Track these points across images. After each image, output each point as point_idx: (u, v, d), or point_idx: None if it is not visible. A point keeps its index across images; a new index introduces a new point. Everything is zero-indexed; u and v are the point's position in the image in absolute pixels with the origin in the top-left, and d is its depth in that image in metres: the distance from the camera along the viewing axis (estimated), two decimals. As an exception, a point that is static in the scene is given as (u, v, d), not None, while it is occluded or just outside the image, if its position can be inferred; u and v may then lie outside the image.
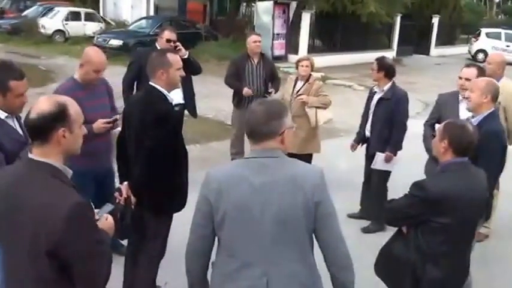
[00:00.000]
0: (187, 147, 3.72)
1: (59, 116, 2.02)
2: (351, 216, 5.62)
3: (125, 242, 4.05)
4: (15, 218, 1.97)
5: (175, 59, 3.52)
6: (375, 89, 5.45)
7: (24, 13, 23.16)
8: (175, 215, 3.69)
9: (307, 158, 6.14)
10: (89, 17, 22.29)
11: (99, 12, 24.20)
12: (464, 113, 4.32)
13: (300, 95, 5.98)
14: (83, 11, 22.40)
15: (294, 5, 19.86)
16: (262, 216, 2.12)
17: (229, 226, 2.17)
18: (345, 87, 15.39)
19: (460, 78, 4.41)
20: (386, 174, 5.38)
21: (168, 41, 5.61)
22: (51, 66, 15.54)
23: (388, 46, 24.00)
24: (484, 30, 27.42)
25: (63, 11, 21.69)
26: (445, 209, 2.74)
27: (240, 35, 20.65)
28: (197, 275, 2.35)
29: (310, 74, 6.08)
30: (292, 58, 16.45)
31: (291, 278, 2.17)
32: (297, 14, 19.77)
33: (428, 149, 4.46)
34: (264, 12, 19.21)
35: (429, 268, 2.83)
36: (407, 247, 2.91)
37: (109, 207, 2.44)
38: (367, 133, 5.50)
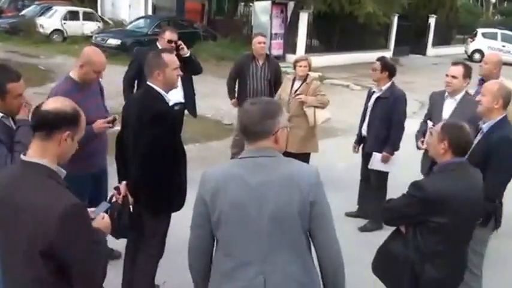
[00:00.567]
0: (186, 146, 3.71)
1: (71, 119, 2.07)
2: (349, 214, 5.67)
3: (118, 245, 4.04)
4: (11, 220, 1.96)
5: (171, 59, 3.50)
6: (374, 88, 5.48)
7: (23, 12, 23.05)
8: (174, 214, 3.70)
9: (305, 157, 6.19)
10: (87, 17, 22.24)
11: (97, 12, 24.15)
12: (447, 110, 4.46)
13: (298, 94, 6.01)
14: (81, 10, 22.34)
15: (291, 5, 19.87)
16: (258, 215, 2.13)
17: (225, 225, 2.18)
18: (343, 87, 15.44)
19: (447, 75, 4.50)
20: (385, 174, 5.41)
21: (170, 41, 5.61)
22: (50, 66, 15.53)
23: (385, 46, 24.06)
24: (480, 31, 27.56)
25: (61, 10, 21.63)
26: (444, 208, 2.75)
27: (238, 34, 20.72)
28: (199, 274, 2.37)
29: (308, 74, 6.11)
30: (290, 58, 16.49)
31: (288, 276, 2.17)
32: (295, 14, 19.80)
33: (418, 146, 4.61)
34: (262, 12, 19.23)
35: (427, 267, 2.85)
36: (406, 246, 2.91)
37: (105, 206, 2.44)
38: (364, 132, 5.54)
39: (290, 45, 19.66)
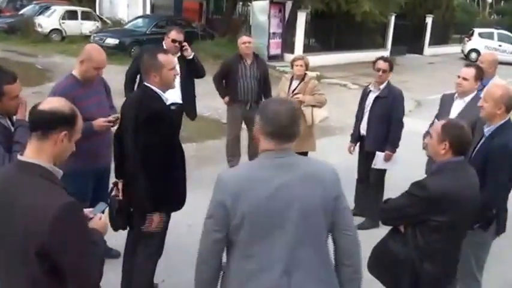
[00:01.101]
0: (183, 145, 3.72)
1: (68, 119, 2.05)
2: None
3: (118, 245, 4.06)
4: (5, 219, 1.95)
5: (166, 60, 3.46)
6: (370, 87, 5.50)
7: (21, 12, 23.06)
8: (172, 213, 3.73)
9: (303, 155, 6.26)
10: (86, 16, 22.23)
11: (95, 11, 24.14)
12: (455, 111, 4.42)
13: (295, 94, 6.03)
14: (79, 9, 22.31)
15: (289, 4, 19.91)
16: (284, 214, 2.14)
17: (248, 228, 2.15)
18: (340, 86, 15.50)
19: (459, 76, 4.45)
20: (384, 172, 5.47)
21: (174, 41, 5.60)
22: (48, 65, 15.56)
23: (382, 45, 24.12)
24: (477, 30, 27.69)
25: (59, 9, 21.62)
26: (446, 207, 2.75)
27: (236, 34, 20.68)
28: (209, 279, 2.34)
29: (305, 73, 6.13)
30: (288, 57, 16.51)
31: (311, 275, 2.20)
32: (293, 14, 19.83)
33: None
34: (260, 11, 19.25)
35: (427, 265, 2.85)
36: (406, 245, 2.91)
37: (102, 206, 2.41)
38: (362, 131, 5.55)
39: (288, 45, 19.69)
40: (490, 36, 27.05)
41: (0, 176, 2.08)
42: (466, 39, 27.63)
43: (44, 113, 2.02)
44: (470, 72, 4.38)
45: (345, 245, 2.29)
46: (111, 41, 17.44)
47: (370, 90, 5.50)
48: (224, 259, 2.34)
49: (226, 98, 6.83)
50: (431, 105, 12.65)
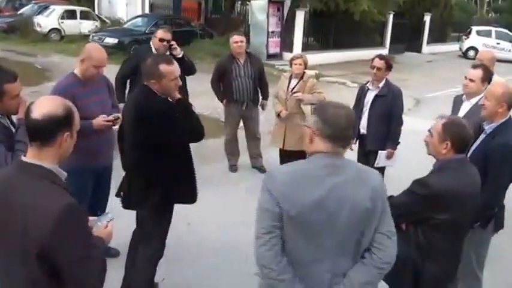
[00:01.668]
0: None
1: (65, 120, 2.00)
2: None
3: (116, 244, 4.05)
4: (5, 219, 1.93)
5: (168, 70, 3.35)
6: (369, 86, 5.51)
7: (20, 11, 23.06)
8: (173, 213, 3.75)
9: (302, 154, 6.26)
10: (85, 16, 22.23)
11: (94, 10, 24.16)
12: (462, 113, 4.37)
13: (295, 92, 6.07)
14: (78, 9, 22.30)
15: (288, 3, 19.94)
16: (336, 215, 2.16)
17: (300, 225, 2.17)
18: (339, 84, 15.52)
19: (466, 78, 4.38)
20: (383, 169, 5.48)
21: (162, 40, 5.62)
22: (47, 65, 15.56)
23: (381, 44, 24.16)
24: (474, 28, 27.74)
25: (58, 9, 21.62)
26: (448, 205, 2.76)
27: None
28: (287, 273, 2.24)
29: (304, 72, 6.16)
30: (287, 56, 16.54)
31: (346, 274, 2.26)
32: (291, 12, 19.86)
33: None
34: (258, 10, 19.27)
35: (428, 264, 2.86)
36: (407, 243, 2.89)
37: (108, 216, 2.38)
38: (362, 130, 5.57)
39: (287, 44, 19.71)
40: (488, 34, 27.10)
41: (0, 176, 2.06)
42: (464, 37, 27.71)
43: (39, 123, 1.95)
44: (477, 73, 4.30)
45: (387, 248, 2.29)
46: (110, 41, 17.42)
47: (369, 89, 5.52)
48: None
49: (225, 102, 6.83)
50: (430, 103, 12.77)
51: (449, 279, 3.08)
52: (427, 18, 27.93)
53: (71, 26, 21.25)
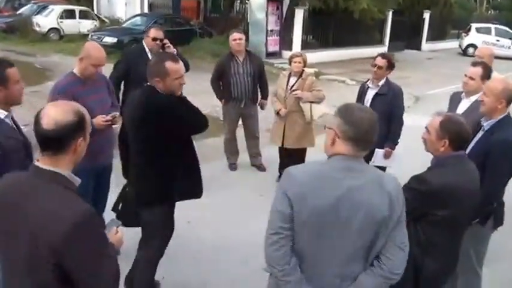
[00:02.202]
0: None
1: (79, 126, 1.94)
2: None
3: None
4: (18, 228, 1.86)
5: (174, 68, 3.32)
6: (369, 84, 5.49)
7: (19, 11, 23.03)
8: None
9: (302, 152, 6.29)
10: (84, 15, 22.21)
11: (93, 10, 24.16)
12: (461, 110, 4.34)
13: (294, 90, 6.07)
14: (77, 8, 22.28)
15: (287, 1, 19.94)
16: (349, 219, 2.13)
17: (310, 227, 2.16)
18: (338, 82, 15.52)
19: (465, 75, 4.37)
20: (383, 169, 5.49)
21: (155, 39, 5.60)
22: (47, 64, 15.55)
23: (380, 42, 24.19)
24: (474, 26, 27.77)
25: (57, 9, 21.58)
26: (446, 201, 2.75)
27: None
28: (294, 274, 2.23)
29: (303, 70, 6.16)
30: (286, 54, 16.52)
31: (355, 279, 2.24)
32: (290, 11, 19.87)
33: None
34: (257, 9, 19.26)
35: (428, 260, 2.86)
36: (408, 239, 2.91)
37: (116, 222, 2.36)
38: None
39: (286, 42, 19.72)
40: (487, 31, 27.14)
41: (14, 183, 1.99)
42: (464, 34, 27.74)
43: (51, 133, 1.88)
44: (477, 71, 4.29)
45: (398, 259, 2.25)
46: (109, 40, 17.41)
47: (369, 87, 5.49)
48: None
49: (224, 101, 6.82)
50: (430, 100, 12.76)
51: (448, 275, 3.07)
52: (427, 15, 27.94)
53: (70, 26, 21.24)
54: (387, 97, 5.31)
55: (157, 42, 5.61)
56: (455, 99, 4.62)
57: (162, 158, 3.39)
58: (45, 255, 1.80)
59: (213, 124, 9.26)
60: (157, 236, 3.65)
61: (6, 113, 3.06)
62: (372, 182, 2.18)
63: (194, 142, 3.64)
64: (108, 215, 3.55)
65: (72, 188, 1.95)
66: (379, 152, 5.35)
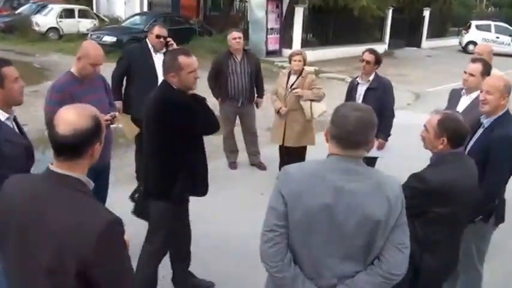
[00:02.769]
0: None
1: (96, 131, 1.88)
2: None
3: None
4: (33, 235, 1.81)
5: (186, 62, 3.40)
6: (359, 80, 5.59)
7: (18, 11, 23.00)
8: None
9: (302, 150, 6.28)
10: (83, 14, 22.22)
11: (92, 9, 24.15)
12: (461, 107, 4.34)
13: (294, 88, 6.07)
14: (76, 8, 22.28)
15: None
16: (345, 220, 2.11)
17: (307, 227, 2.15)
18: (338, 80, 15.51)
19: (465, 72, 4.35)
20: (375, 160, 5.54)
21: (158, 36, 5.62)
22: (46, 64, 15.55)
23: (380, 39, 24.15)
24: (474, 23, 27.76)
25: (56, 8, 21.58)
26: (446, 199, 2.75)
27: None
28: (287, 271, 2.23)
29: (303, 68, 6.16)
30: (286, 52, 16.51)
31: (354, 282, 2.21)
32: (290, 9, 19.85)
33: None
34: (257, 7, 19.25)
35: (426, 257, 2.86)
36: None
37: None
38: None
39: (286, 40, 19.72)
40: (487, 28, 27.11)
41: (29, 188, 1.91)
42: (464, 31, 27.72)
43: (68, 139, 1.82)
44: (477, 67, 4.26)
45: (397, 260, 2.22)
46: (109, 39, 17.41)
47: (358, 83, 5.58)
48: None
49: (220, 99, 6.81)
50: (430, 97, 12.75)
51: (449, 273, 3.07)
52: (427, 13, 27.92)
53: (69, 25, 21.24)
54: (378, 91, 5.41)
55: (161, 39, 5.64)
56: (454, 96, 4.61)
57: (173, 153, 3.45)
58: (70, 264, 1.75)
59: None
60: (160, 232, 3.67)
61: (7, 115, 2.99)
62: (370, 186, 2.14)
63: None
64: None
65: (88, 192, 1.91)
66: None
